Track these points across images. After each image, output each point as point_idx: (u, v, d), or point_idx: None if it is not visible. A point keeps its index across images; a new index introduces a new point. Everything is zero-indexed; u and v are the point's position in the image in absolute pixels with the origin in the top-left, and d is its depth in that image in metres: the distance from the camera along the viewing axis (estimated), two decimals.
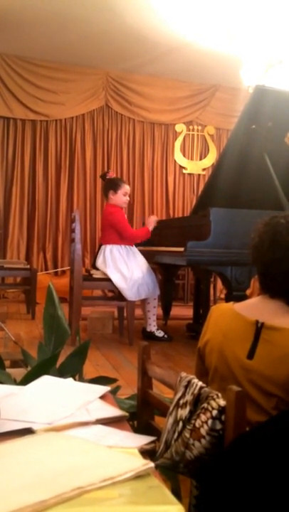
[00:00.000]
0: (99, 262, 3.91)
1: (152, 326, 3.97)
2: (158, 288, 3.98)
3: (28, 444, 0.90)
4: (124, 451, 0.88)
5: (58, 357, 1.59)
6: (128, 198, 4.07)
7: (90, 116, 6.73)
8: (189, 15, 4.94)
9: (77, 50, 5.96)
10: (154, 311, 3.98)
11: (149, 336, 3.91)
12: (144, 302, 3.94)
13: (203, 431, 1.00)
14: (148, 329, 3.98)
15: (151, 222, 4.01)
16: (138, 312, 4.01)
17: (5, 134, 6.42)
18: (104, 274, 3.85)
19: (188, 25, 5.17)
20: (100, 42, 5.70)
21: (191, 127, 7.16)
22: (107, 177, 4.05)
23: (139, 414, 1.41)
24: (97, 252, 4.06)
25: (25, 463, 0.80)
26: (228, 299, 3.24)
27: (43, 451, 0.86)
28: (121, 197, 3.94)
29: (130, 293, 3.77)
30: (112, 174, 4.16)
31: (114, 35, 5.50)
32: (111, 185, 3.96)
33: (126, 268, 3.81)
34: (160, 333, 3.98)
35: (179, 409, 1.07)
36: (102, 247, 3.96)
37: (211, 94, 7.02)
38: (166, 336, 3.98)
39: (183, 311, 5.20)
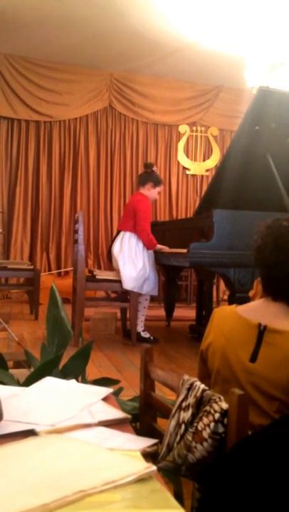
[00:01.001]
0: (115, 249, 3.89)
1: (139, 327, 3.94)
2: (156, 289, 3.98)
3: (31, 446, 0.90)
4: (127, 453, 0.88)
5: (61, 358, 1.59)
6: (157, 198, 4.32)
7: (93, 117, 6.74)
8: (193, 16, 4.94)
9: (81, 50, 5.97)
10: (144, 311, 3.97)
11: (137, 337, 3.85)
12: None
13: (205, 434, 1.00)
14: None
15: (163, 247, 3.88)
16: None
17: (9, 135, 6.43)
18: (116, 266, 3.84)
19: (191, 26, 5.17)
20: (103, 43, 5.70)
21: (194, 128, 7.16)
22: (153, 169, 4.13)
23: (142, 417, 1.41)
24: (114, 238, 4.05)
25: (28, 465, 0.80)
26: (231, 300, 3.23)
27: (46, 454, 0.86)
28: (155, 193, 4.07)
29: (134, 283, 3.75)
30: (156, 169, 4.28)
31: (117, 36, 5.50)
32: (154, 178, 4.03)
33: (141, 260, 3.81)
34: (146, 334, 3.94)
35: (182, 412, 1.07)
36: (121, 233, 3.94)
37: (215, 95, 7.02)
38: (152, 337, 3.93)
39: (186, 313, 5.19)
